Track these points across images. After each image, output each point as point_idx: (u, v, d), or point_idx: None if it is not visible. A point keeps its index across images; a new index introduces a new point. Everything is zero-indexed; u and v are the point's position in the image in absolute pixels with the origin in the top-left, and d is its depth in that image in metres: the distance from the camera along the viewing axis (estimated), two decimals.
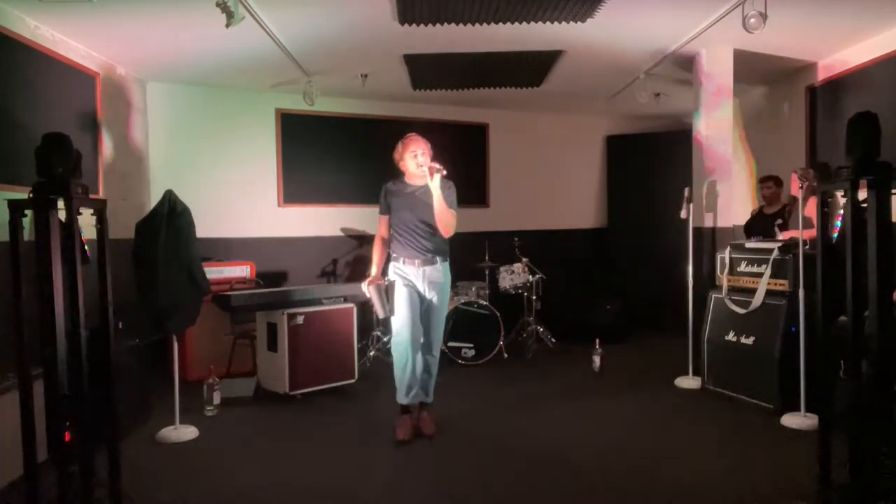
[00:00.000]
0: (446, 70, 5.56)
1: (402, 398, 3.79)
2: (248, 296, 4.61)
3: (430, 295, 3.78)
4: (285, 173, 6.45)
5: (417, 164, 3.74)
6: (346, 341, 4.79)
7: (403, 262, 3.78)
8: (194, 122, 6.09)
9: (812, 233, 4.53)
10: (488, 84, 6.06)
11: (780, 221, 5.15)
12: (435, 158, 3.79)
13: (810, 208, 4.35)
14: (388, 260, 3.91)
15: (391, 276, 3.82)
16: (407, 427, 3.75)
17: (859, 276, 2.45)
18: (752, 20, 3.94)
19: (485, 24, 4.35)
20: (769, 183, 5.38)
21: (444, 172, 3.59)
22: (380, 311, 3.74)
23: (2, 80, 3.82)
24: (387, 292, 3.72)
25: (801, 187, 4.24)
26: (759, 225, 5.26)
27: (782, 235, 4.78)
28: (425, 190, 3.70)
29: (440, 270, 3.81)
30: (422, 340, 3.77)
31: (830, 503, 2.61)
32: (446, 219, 3.68)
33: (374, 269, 3.86)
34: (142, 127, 5.78)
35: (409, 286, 3.75)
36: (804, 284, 3.92)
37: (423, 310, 3.78)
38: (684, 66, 5.35)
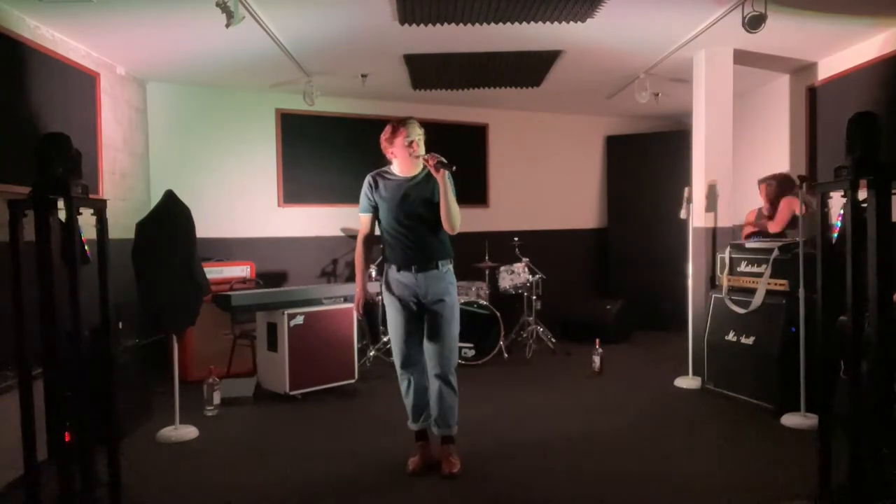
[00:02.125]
0: (446, 70, 5.56)
1: (410, 423, 3.35)
2: (248, 296, 4.61)
3: (430, 306, 3.19)
4: (285, 173, 6.45)
5: (412, 153, 3.18)
6: (346, 341, 4.80)
7: (397, 270, 3.23)
8: (194, 122, 6.09)
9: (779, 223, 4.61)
10: (488, 84, 6.07)
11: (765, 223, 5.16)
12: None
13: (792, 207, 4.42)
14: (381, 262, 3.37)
15: (383, 283, 3.34)
16: (418, 458, 3.24)
17: (859, 276, 2.45)
18: (753, 20, 3.94)
19: (485, 24, 4.35)
20: (770, 182, 5.37)
21: (454, 168, 3.09)
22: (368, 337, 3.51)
23: (2, 80, 3.82)
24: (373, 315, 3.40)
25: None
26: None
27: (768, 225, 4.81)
28: (418, 182, 3.22)
29: (441, 276, 3.21)
30: (430, 361, 3.22)
31: (830, 503, 2.61)
32: (454, 217, 3.16)
33: (358, 285, 3.34)
34: (142, 127, 5.78)
35: (403, 299, 3.21)
36: (804, 284, 3.92)
37: (424, 324, 3.22)
38: (684, 65, 5.35)
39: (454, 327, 3.26)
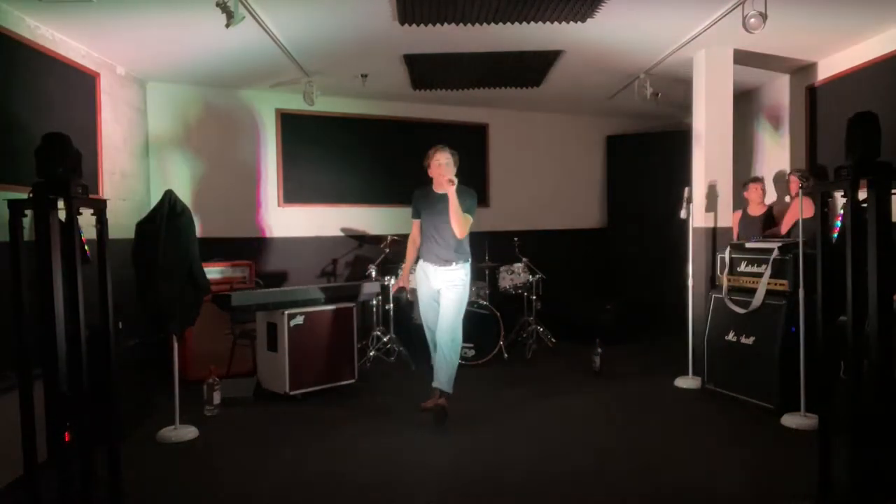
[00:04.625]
0: (446, 70, 5.56)
1: (434, 382, 4.15)
2: (248, 296, 4.61)
3: (443, 290, 4.15)
4: (285, 173, 6.45)
5: (439, 172, 4.09)
6: (346, 341, 4.79)
7: (424, 262, 4.24)
8: (194, 122, 6.09)
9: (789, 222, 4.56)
10: (488, 84, 6.06)
11: (775, 230, 5.18)
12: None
13: (804, 209, 4.32)
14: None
15: (416, 274, 4.32)
16: (431, 402, 4.11)
17: (859, 276, 2.45)
18: (752, 20, 3.94)
19: (485, 24, 4.35)
20: (757, 185, 5.40)
21: (455, 182, 3.95)
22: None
23: (2, 80, 3.82)
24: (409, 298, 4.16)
25: (802, 187, 4.24)
26: (750, 228, 5.29)
27: (783, 227, 4.76)
28: (446, 198, 4.03)
29: (453, 271, 4.16)
30: (438, 331, 4.15)
31: (830, 503, 2.61)
32: (459, 223, 4.01)
33: (402, 271, 4.45)
34: (142, 127, 5.78)
35: (429, 285, 4.22)
36: (804, 284, 3.92)
37: (439, 302, 4.20)
38: (684, 65, 5.35)
39: (456, 310, 4.14)
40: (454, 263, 4.16)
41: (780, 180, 5.94)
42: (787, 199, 5.82)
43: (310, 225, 6.56)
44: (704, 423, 4.04)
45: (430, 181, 4.24)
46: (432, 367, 4.24)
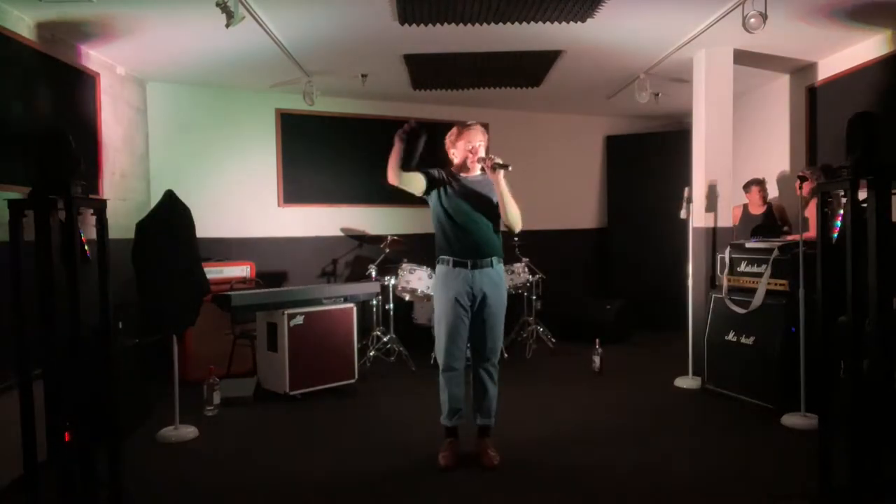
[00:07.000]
0: (446, 70, 5.56)
1: (444, 419, 3.40)
2: (248, 296, 4.61)
3: (483, 300, 3.29)
4: (285, 173, 6.45)
5: (471, 160, 3.34)
6: (346, 341, 4.79)
7: (453, 265, 3.28)
8: (194, 122, 6.09)
9: (811, 234, 4.54)
10: (488, 84, 6.06)
11: (786, 228, 5.18)
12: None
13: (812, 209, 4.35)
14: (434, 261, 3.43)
15: (437, 280, 3.36)
16: (450, 453, 3.29)
17: (859, 276, 2.45)
18: (752, 20, 3.94)
19: (485, 24, 4.35)
20: (758, 187, 5.42)
21: (510, 168, 3.19)
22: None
23: (2, 81, 3.82)
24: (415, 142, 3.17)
25: (801, 187, 4.24)
26: (750, 225, 5.30)
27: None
28: (478, 180, 3.35)
29: (495, 272, 3.32)
30: (477, 351, 3.40)
31: (830, 503, 2.61)
32: (511, 215, 3.29)
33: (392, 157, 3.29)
34: (142, 127, 5.78)
35: (458, 297, 3.26)
36: (804, 284, 3.92)
37: (474, 317, 3.32)
38: (684, 65, 5.35)
39: (502, 320, 3.39)
40: (492, 263, 3.30)
41: (784, 180, 5.95)
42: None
43: (310, 225, 6.56)
44: (704, 423, 4.04)
45: (447, 164, 3.47)
46: (451, 404, 3.36)
